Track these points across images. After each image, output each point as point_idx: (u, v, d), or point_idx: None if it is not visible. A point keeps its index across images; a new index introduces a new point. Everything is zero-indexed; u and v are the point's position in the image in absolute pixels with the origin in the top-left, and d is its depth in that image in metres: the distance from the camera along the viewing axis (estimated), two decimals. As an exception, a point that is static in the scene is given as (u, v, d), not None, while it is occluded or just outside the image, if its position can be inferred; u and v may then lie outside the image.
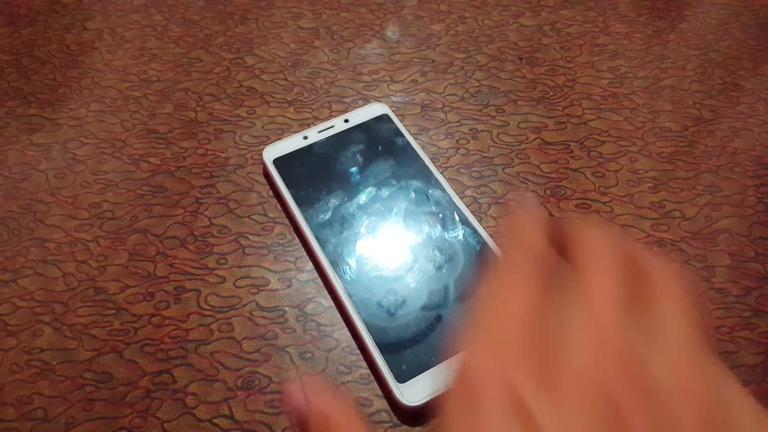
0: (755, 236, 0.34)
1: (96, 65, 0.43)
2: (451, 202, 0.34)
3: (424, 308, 0.31)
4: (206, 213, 0.35)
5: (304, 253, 0.34)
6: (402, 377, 0.28)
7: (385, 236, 0.33)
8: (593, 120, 0.40)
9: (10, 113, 0.40)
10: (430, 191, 0.35)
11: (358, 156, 0.36)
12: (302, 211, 0.34)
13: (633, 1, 0.47)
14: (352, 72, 0.42)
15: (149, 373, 0.30)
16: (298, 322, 0.31)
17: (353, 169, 0.35)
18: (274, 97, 0.41)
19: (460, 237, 0.33)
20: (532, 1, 0.47)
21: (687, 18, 0.46)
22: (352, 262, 0.32)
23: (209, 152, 0.38)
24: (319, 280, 0.33)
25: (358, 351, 0.30)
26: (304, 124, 0.39)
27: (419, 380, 0.28)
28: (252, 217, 0.35)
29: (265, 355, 0.30)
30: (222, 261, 0.33)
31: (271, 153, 0.36)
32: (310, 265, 0.33)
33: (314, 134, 0.37)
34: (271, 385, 0.29)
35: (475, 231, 0.33)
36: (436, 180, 0.35)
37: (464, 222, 0.33)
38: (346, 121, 0.37)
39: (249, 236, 0.34)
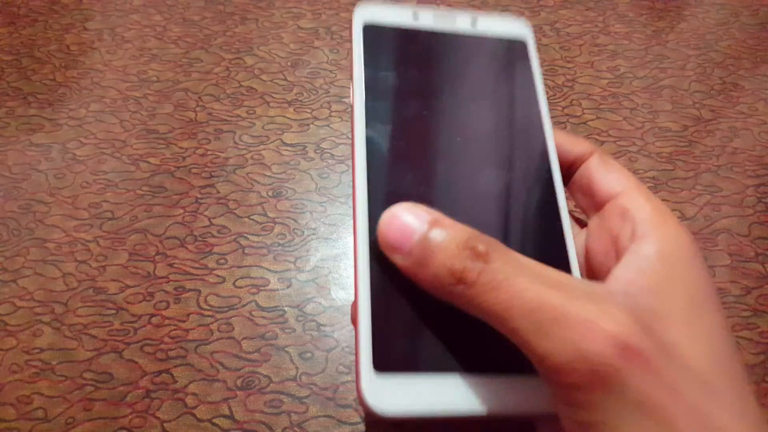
0: (755, 236, 0.34)
1: (96, 65, 0.43)
2: (548, 171, 0.25)
3: None
4: (206, 213, 0.35)
5: (304, 253, 0.34)
6: (382, 364, 0.18)
7: (454, 180, 0.23)
8: (593, 120, 0.40)
9: (10, 113, 0.40)
10: (530, 154, 0.25)
11: (468, 71, 0.26)
12: (367, 109, 0.24)
13: (632, 1, 0.47)
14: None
15: (149, 373, 0.30)
16: (298, 322, 0.31)
17: (454, 86, 0.26)
18: (273, 97, 0.41)
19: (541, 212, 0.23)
20: (532, 1, 0.47)
21: (686, 18, 0.46)
22: (393, 180, 0.23)
23: (209, 152, 0.38)
24: (319, 280, 0.33)
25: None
26: (304, 124, 0.39)
27: (404, 382, 0.18)
28: (252, 217, 0.35)
29: (264, 355, 0.30)
30: (222, 261, 0.33)
31: (367, 15, 0.26)
32: (309, 265, 0.33)
33: (429, 19, 0.27)
34: (271, 384, 0.29)
35: (557, 210, 0.24)
36: (544, 143, 0.25)
37: (551, 199, 0.24)
38: (474, 23, 0.27)
39: (249, 236, 0.34)
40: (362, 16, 0.26)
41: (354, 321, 0.20)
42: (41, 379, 0.29)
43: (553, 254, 0.22)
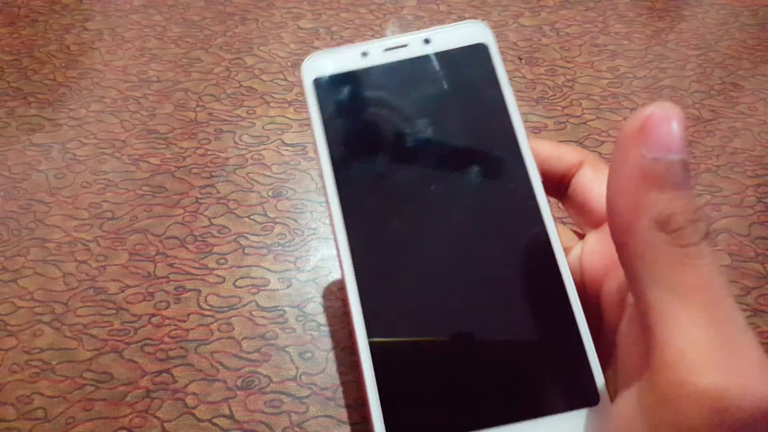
0: (755, 236, 0.34)
1: (96, 65, 0.43)
2: (530, 191, 0.22)
3: (463, 343, 0.21)
4: (206, 213, 0.35)
5: (304, 253, 0.34)
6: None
7: (436, 235, 0.22)
8: (593, 120, 0.40)
9: (10, 113, 0.40)
10: (508, 178, 0.22)
11: (428, 98, 0.24)
12: (334, 167, 0.23)
13: (632, 1, 0.48)
14: (351, 72, 0.42)
15: (149, 372, 0.30)
16: (298, 321, 0.31)
17: (416, 119, 0.24)
18: (274, 97, 0.41)
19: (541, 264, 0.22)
20: (532, 1, 0.47)
21: (686, 18, 0.46)
22: (377, 252, 0.22)
23: (209, 152, 0.38)
24: (319, 280, 0.33)
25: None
26: (304, 124, 0.39)
27: None
28: (252, 217, 0.35)
29: (265, 355, 0.30)
30: (222, 261, 0.33)
31: (315, 68, 0.25)
32: (309, 265, 0.33)
33: (377, 52, 0.25)
34: (271, 384, 0.29)
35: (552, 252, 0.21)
36: (522, 161, 0.22)
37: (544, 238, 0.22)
38: (427, 41, 0.25)
39: (249, 236, 0.34)
40: (310, 70, 0.25)
41: (364, 397, 0.21)
42: (41, 379, 0.29)
43: (550, 293, 0.21)
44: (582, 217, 0.22)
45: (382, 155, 0.23)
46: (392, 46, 0.24)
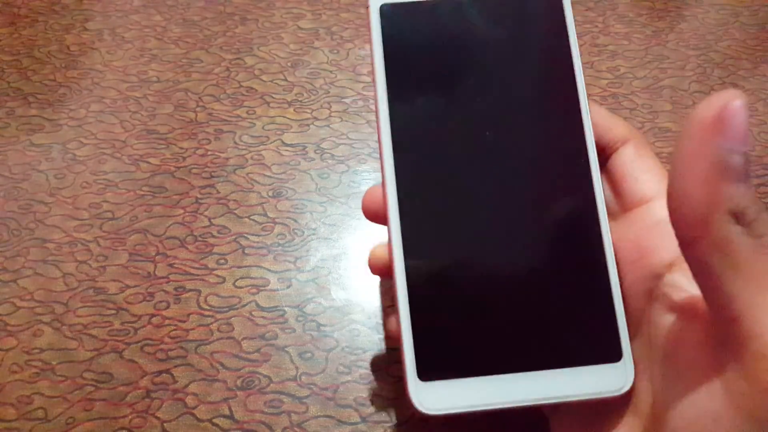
0: (755, 236, 0.34)
1: (96, 66, 0.43)
2: (586, 160, 0.22)
3: (498, 280, 0.21)
4: (206, 213, 0.35)
5: (304, 253, 0.34)
6: (428, 374, 0.20)
7: (483, 174, 0.22)
8: (593, 120, 0.40)
9: (10, 114, 0.40)
10: (565, 137, 0.22)
11: (493, 42, 0.23)
12: (390, 97, 0.23)
13: (632, 1, 0.48)
14: (352, 72, 0.42)
15: (149, 373, 0.30)
16: (298, 322, 0.31)
17: (479, 64, 0.23)
18: (273, 97, 0.41)
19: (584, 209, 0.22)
20: (532, 2, 0.47)
21: (686, 18, 0.46)
22: (422, 183, 0.22)
23: (209, 152, 0.38)
24: (319, 280, 0.33)
25: (359, 351, 0.30)
26: (304, 124, 0.39)
27: (450, 386, 0.20)
28: (252, 217, 0.35)
29: (264, 355, 0.30)
30: (222, 261, 0.33)
31: None
32: (309, 265, 0.33)
33: None
34: (271, 385, 0.29)
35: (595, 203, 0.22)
36: (581, 118, 0.22)
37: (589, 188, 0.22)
38: None
39: (249, 236, 0.34)
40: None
41: (392, 332, 0.22)
42: (41, 379, 0.29)
43: (589, 257, 0.21)
44: (614, 196, 0.22)
45: (441, 93, 0.23)
46: None
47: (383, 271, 0.24)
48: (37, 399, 0.29)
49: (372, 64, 0.24)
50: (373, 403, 0.29)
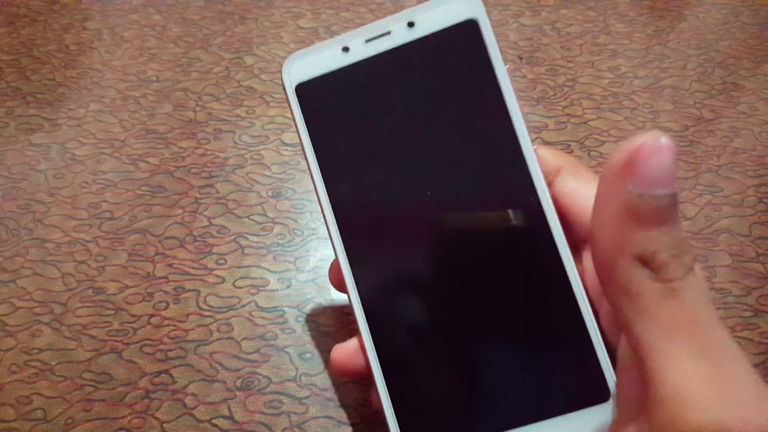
0: (756, 236, 0.34)
1: (95, 65, 0.43)
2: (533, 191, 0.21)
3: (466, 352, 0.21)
4: (205, 213, 0.35)
5: (304, 253, 0.34)
6: None
7: (438, 242, 0.22)
8: (593, 120, 0.40)
9: (9, 113, 0.40)
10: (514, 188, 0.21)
11: (417, 90, 0.22)
12: (325, 176, 0.23)
13: (633, 0, 0.47)
14: (351, 72, 0.42)
15: (148, 373, 0.29)
16: (298, 322, 0.31)
17: (406, 115, 0.22)
18: (273, 97, 0.41)
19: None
20: (533, 1, 0.47)
21: (687, 18, 0.46)
22: (377, 267, 0.22)
23: (208, 152, 0.38)
24: (318, 280, 0.33)
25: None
26: (304, 124, 0.39)
27: None
28: (251, 217, 0.35)
29: (264, 356, 0.30)
30: (221, 261, 0.33)
31: (296, 72, 0.23)
32: (309, 265, 0.33)
33: (359, 45, 0.22)
34: (271, 385, 0.29)
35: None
36: (524, 160, 0.21)
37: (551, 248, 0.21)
38: (411, 25, 0.22)
39: (248, 236, 0.34)
40: (291, 74, 0.23)
41: (376, 404, 0.22)
42: (41, 380, 0.29)
43: (556, 295, 0.20)
44: (566, 229, 0.21)
45: (374, 160, 0.22)
46: (373, 35, 0.22)
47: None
48: (36, 399, 0.29)
49: (300, 143, 0.23)
50: (372, 403, 0.29)
